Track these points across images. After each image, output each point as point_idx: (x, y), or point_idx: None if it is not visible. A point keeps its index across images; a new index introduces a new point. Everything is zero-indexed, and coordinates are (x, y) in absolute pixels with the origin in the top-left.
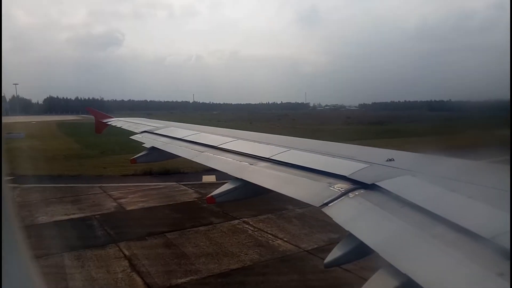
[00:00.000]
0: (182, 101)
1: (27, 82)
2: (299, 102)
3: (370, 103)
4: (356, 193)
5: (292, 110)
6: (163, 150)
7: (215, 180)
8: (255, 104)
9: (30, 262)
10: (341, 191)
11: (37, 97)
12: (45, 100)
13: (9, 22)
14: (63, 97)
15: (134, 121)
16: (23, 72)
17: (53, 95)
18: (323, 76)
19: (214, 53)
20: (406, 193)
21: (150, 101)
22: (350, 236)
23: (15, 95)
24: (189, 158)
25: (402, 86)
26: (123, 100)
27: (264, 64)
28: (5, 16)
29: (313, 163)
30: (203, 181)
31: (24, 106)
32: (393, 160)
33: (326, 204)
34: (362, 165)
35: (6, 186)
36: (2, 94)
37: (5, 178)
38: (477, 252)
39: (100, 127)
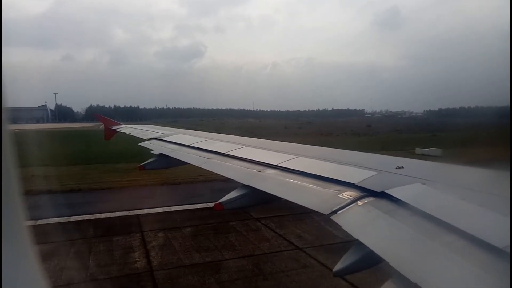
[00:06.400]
0: (227, 109)
1: (120, 92)
2: (356, 108)
3: (437, 109)
4: (365, 201)
5: (340, 118)
6: (171, 157)
7: None
8: (303, 111)
9: (35, 261)
10: (350, 198)
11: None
12: (87, 109)
13: (109, 39)
14: (103, 106)
15: (142, 128)
16: (116, 82)
17: (93, 104)
18: (400, 81)
19: (289, 61)
20: (416, 201)
21: (203, 108)
22: (359, 244)
23: (57, 104)
24: (197, 165)
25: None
26: (174, 107)
27: (340, 70)
28: (105, 34)
29: (321, 171)
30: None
31: (66, 114)
32: (403, 167)
33: (335, 212)
34: (371, 173)
35: (15, 180)
36: (45, 102)
37: (14, 174)
38: (489, 262)
39: (109, 133)
